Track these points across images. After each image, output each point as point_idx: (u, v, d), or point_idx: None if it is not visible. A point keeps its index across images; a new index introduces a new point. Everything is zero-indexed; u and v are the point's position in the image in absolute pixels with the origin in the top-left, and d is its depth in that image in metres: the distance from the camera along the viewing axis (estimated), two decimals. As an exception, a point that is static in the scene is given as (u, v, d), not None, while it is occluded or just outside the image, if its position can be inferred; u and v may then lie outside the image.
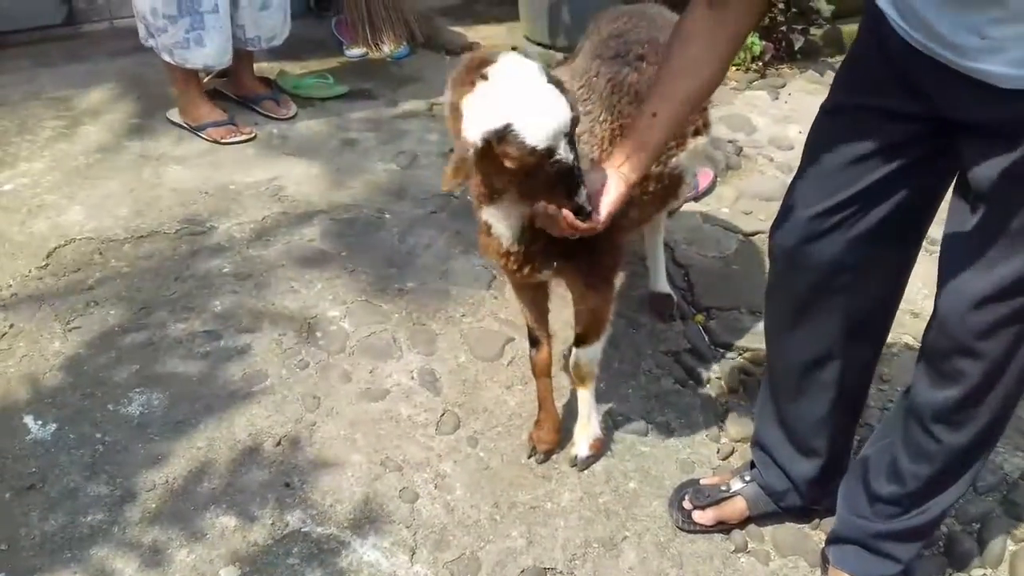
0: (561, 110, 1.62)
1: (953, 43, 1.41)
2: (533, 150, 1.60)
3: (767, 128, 3.84)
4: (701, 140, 2.30)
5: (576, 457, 2.30)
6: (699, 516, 2.18)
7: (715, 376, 2.65)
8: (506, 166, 1.65)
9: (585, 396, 2.26)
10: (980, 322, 1.58)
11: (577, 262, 2.00)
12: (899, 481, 1.85)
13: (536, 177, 1.66)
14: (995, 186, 1.49)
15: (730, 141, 3.75)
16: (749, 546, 2.17)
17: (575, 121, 1.66)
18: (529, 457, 2.34)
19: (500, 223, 1.91)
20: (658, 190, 2.22)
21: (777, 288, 1.96)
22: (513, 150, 1.61)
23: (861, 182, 1.69)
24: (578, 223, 1.71)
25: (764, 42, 4.29)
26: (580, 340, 2.19)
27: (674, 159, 2.21)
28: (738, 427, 2.45)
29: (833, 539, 2.05)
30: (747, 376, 2.63)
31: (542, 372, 2.29)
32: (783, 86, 4.27)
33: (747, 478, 2.20)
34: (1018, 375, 1.65)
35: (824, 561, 2.07)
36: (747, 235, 3.19)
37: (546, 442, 2.34)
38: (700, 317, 2.85)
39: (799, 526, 2.21)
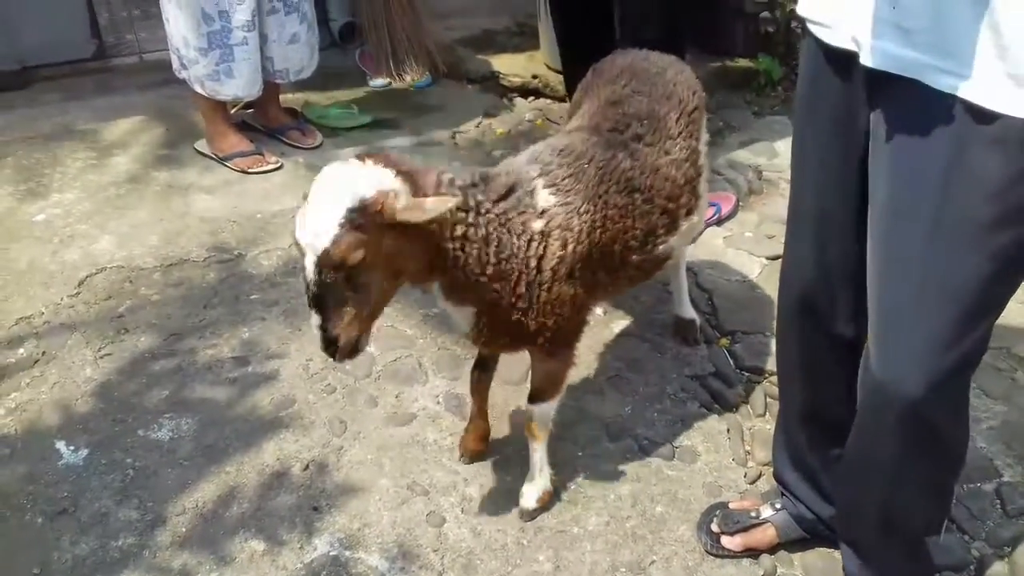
0: (323, 232, 1.57)
1: None
2: (295, 242, 1.65)
3: (788, 152, 3.82)
4: (694, 219, 2.26)
5: (523, 509, 2.26)
6: (728, 542, 2.17)
7: (741, 400, 2.65)
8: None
9: (537, 449, 2.22)
10: None
11: (538, 340, 2.01)
12: None
13: None
14: None
15: (751, 166, 3.77)
16: (778, 571, 2.15)
17: (342, 248, 1.58)
18: (459, 459, 2.41)
19: (454, 314, 1.97)
20: (640, 274, 2.21)
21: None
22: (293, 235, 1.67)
23: None
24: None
25: (784, 67, 4.32)
26: (535, 397, 2.17)
27: (663, 245, 2.17)
28: (765, 451, 2.44)
29: None
30: (773, 400, 2.62)
31: (479, 391, 2.32)
32: (803, 111, 4.28)
33: (777, 506, 2.19)
34: None
35: None
36: (770, 259, 3.19)
37: (471, 450, 2.40)
38: (725, 341, 2.85)
39: (829, 551, 2.18)
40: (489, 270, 1.83)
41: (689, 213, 2.22)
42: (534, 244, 1.88)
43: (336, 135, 4.01)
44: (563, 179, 1.97)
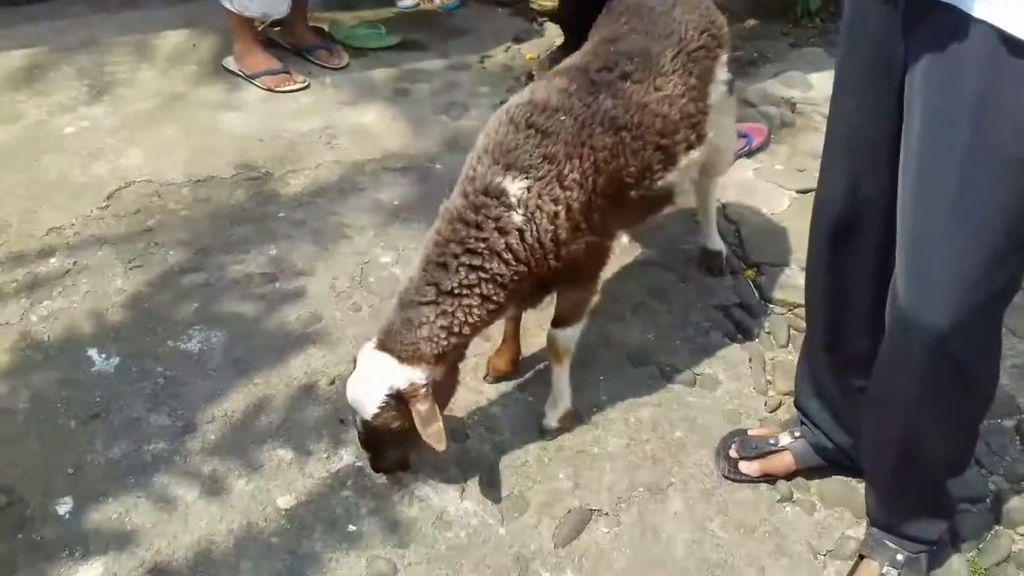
0: (368, 404, 1.93)
1: None
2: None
3: (823, 86, 3.77)
4: (695, 155, 2.23)
5: (544, 428, 2.31)
6: (745, 467, 2.21)
7: (764, 331, 2.66)
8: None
9: (559, 372, 2.26)
10: None
11: (562, 283, 2.11)
12: None
13: None
14: None
15: (785, 99, 3.71)
16: (794, 496, 2.19)
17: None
18: (484, 378, 2.45)
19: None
20: (645, 207, 2.22)
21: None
22: None
23: None
24: None
25: (821, -2, 4.21)
26: (559, 322, 2.21)
27: (661, 181, 2.16)
28: (786, 381, 2.45)
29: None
30: (796, 331, 2.63)
31: (513, 315, 2.35)
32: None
33: (796, 434, 2.21)
34: None
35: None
36: (800, 192, 3.16)
37: (499, 370, 2.46)
38: (750, 272, 2.85)
39: (846, 478, 2.22)
40: (511, 288, 1.97)
41: (690, 149, 2.20)
42: (526, 233, 1.93)
43: (363, 55, 3.96)
44: (532, 154, 1.96)
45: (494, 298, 1.95)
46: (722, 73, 2.30)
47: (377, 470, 2.10)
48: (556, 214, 1.95)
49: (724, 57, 2.31)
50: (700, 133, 2.22)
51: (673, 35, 2.20)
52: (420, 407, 1.90)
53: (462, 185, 2.01)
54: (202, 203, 3.04)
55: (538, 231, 1.94)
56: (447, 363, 1.99)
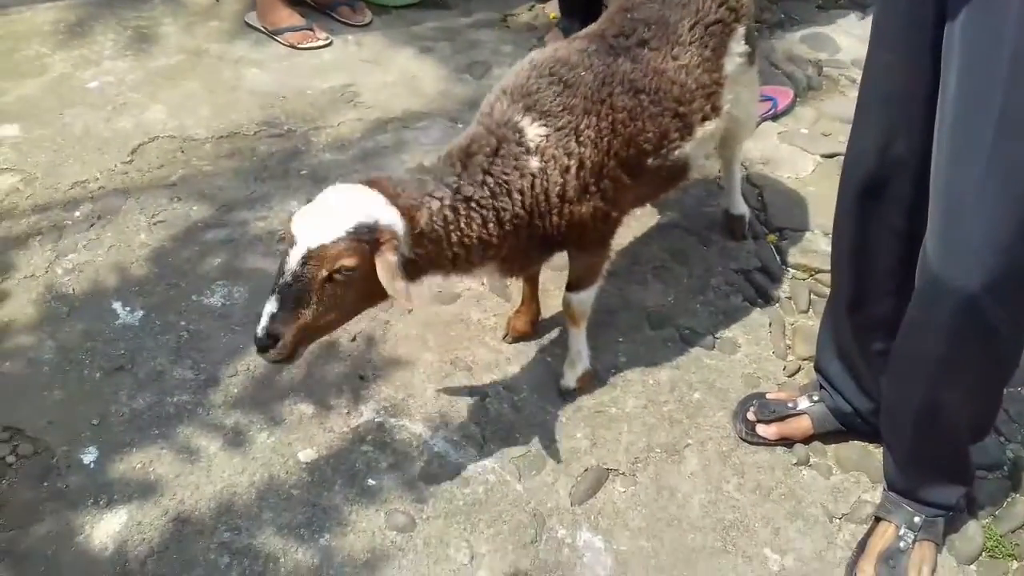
0: (321, 232, 1.65)
1: None
2: (285, 233, 1.71)
3: (851, 48, 3.72)
4: (710, 126, 2.20)
5: (563, 387, 2.32)
6: (763, 430, 2.21)
7: (785, 296, 2.65)
8: None
9: (575, 334, 2.27)
10: None
11: (568, 246, 2.07)
12: None
13: None
14: None
15: (811, 61, 3.65)
16: (811, 459, 2.19)
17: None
18: (503, 338, 2.45)
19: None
20: (659, 180, 2.19)
21: None
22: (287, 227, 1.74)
23: None
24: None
25: (853, -41, 4.13)
26: (573, 286, 2.20)
27: (677, 151, 2.13)
28: (806, 346, 2.45)
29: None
30: (817, 297, 2.62)
31: (530, 276, 2.35)
32: (870, 7, 4.11)
33: (815, 398, 2.21)
34: None
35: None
36: (825, 156, 3.12)
37: (518, 331, 2.45)
38: (773, 237, 2.83)
39: (863, 443, 2.22)
40: (497, 232, 1.88)
41: (705, 120, 2.18)
42: (537, 181, 1.90)
43: (386, 13, 3.93)
44: (553, 101, 1.94)
45: (490, 229, 1.86)
46: (737, 46, 2.26)
47: (266, 340, 1.67)
48: (567, 168, 1.93)
49: (741, 30, 2.27)
50: (715, 105, 2.21)
51: (691, 4, 2.17)
52: (390, 257, 1.68)
53: (479, 119, 1.97)
54: (225, 159, 3.05)
55: (547, 183, 1.91)
56: (416, 261, 1.79)
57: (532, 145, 1.91)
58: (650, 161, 2.08)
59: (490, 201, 1.86)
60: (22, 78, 3.38)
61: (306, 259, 1.64)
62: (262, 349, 1.68)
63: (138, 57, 3.56)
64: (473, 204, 1.84)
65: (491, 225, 1.87)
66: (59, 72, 3.43)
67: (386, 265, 1.68)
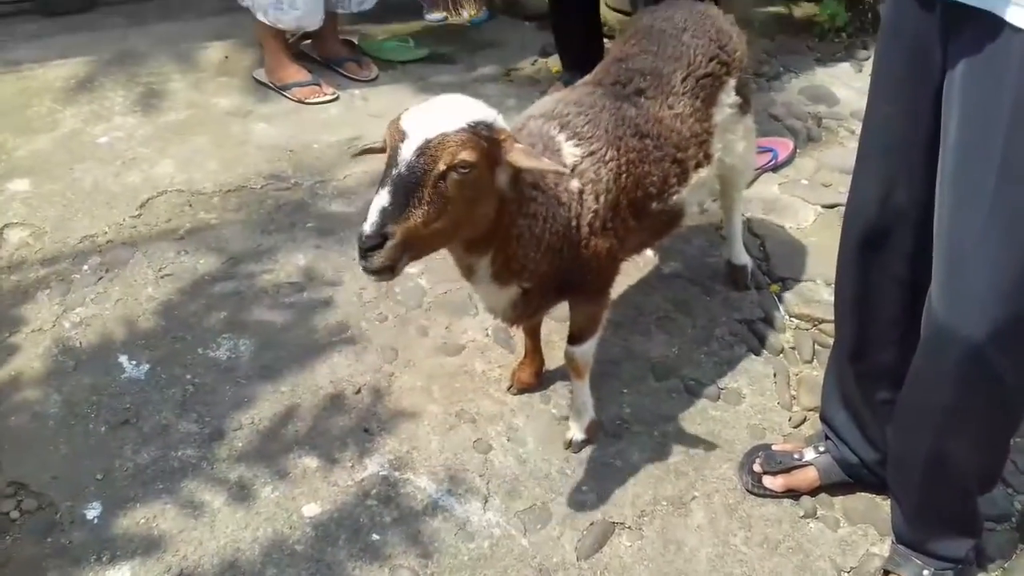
0: (440, 123, 1.56)
1: None
2: (397, 131, 1.59)
3: (849, 100, 3.77)
4: (703, 172, 2.25)
5: (572, 441, 2.30)
6: (769, 481, 2.20)
7: (789, 346, 2.65)
8: None
9: (580, 385, 2.27)
10: None
11: (573, 292, 2.07)
12: None
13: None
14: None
15: (811, 113, 3.70)
16: (818, 512, 2.18)
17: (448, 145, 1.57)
18: (508, 390, 2.44)
19: (491, 296, 1.98)
20: (658, 225, 2.22)
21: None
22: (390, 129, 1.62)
23: None
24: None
25: (849, 13, 4.20)
26: (575, 339, 2.20)
27: (675, 196, 2.17)
28: (810, 397, 2.45)
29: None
30: (821, 347, 2.62)
31: (531, 329, 2.36)
32: (867, 59, 4.18)
33: (821, 449, 2.21)
34: None
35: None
36: (825, 207, 3.15)
37: (523, 383, 2.45)
38: (775, 287, 2.84)
39: (871, 495, 2.20)
40: (543, 246, 1.86)
41: (698, 167, 2.23)
42: (574, 205, 1.90)
43: (392, 68, 4.01)
44: (582, 127, 1.97)
45: (529, 241, 1.83)
46: (728, 97, 2.31)
47: (374, 240, 1.51)
48: (598, 195, 1.94)
49: (732, 83, 2.33)
50: (707, 152, 2.25)
51: (683, 59, 2.22)
52: (519, 145, 1.66)
53: None
54: (232, 212, 3.08)
55: (582, 207, 1.89)
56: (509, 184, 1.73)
57: (570, 163, 1.91)
58: (654, 205, 2.12)
59: (553, 197, 1.84)
60: (34, 134, 3.44)
61: (423, 150, 1.54)
62: (370, 249, 1.52)
63: (147, 113, 3.62)
64: (547, 191, 1.83)
65: (547, 227, 1.85)
66: (70, 128, 3.49)
67: (521, 151, 1.64)
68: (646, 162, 2.06)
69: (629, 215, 2.05)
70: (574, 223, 1.91)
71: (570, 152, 1.92)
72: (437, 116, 1.58)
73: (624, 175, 1.99)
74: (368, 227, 1.51)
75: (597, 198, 1.93)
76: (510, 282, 1.92)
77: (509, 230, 1.80)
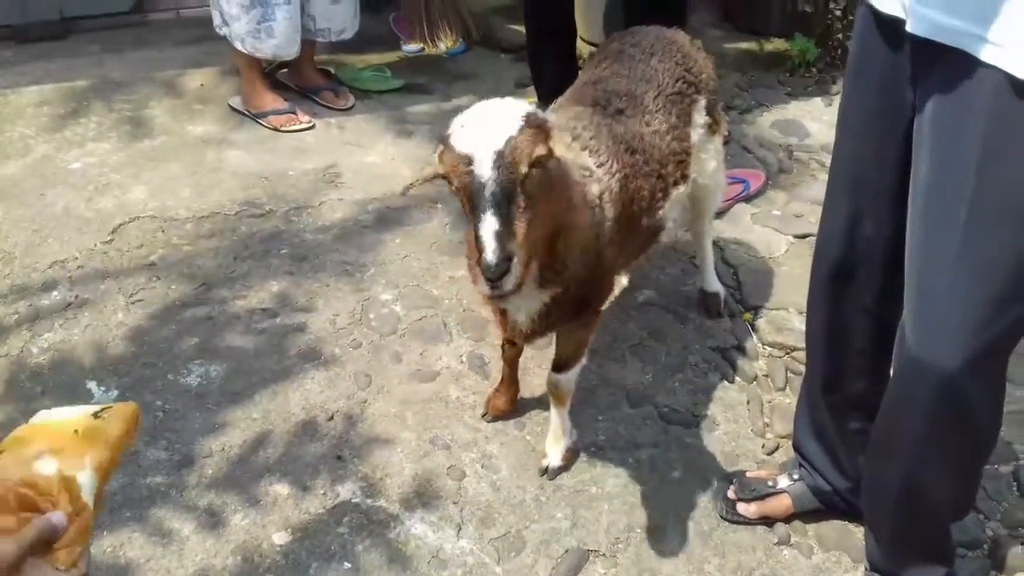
0: (500, 131, 1.55)
1: None
2: (459, 157, 1.56)
3: (820, 133, 3.83)
4: (682, 189, 2.31)
5: (548, 467, 2.29)
6: (743, 508, 2.20)
7: (762, 373, 2.67)
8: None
9: (561, 412, 2.26)
10: None
11: (583, 311, 2.05)
12: None
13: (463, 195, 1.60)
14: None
15: (782, 145, 3.76)
16: (792, 539, 2.18)
17: (529, 155, 1.57)
18: (483, 416, 2.43)
19: (522, 305, 1.91)
20: (643, 241, 2.26)
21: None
22: (446, 158, 1.60)
23: None
24: (484, 290, 1.58)
25: (819, 48, 4.29)
26: (559, 367, 2.19)
27: (659, 211, 2.22)
28: (783, 424, 2.46)
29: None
30: (794, 374, 2.64)
31: (511, 357, 2.35)
32: (837, 93, 4.26)
33: (795, 476, 2.21)
34: None
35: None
36: (797, 237, 3.19)
37: (499, 410, 2.42)
38: (748, 315, 2.86)
39: (844, 522, 2.21)
40: (582, 244, 1.87)
41: (676, 184, 2.27)
42: (597, 211, 1.91)
43: (368, 97, 4.02)
44: (590, 140, 2.01)
45: (580, 237, 1.85)
46: (700, 117, 2.37)
47: (501, 262, 1.50)
48: (612, 205, 1.96)
49: (703, 102, 2.38)
50: (684, 172, 2.30)
51: (652, 80, 2.28)
52: (559, 134, 1.68)
53: None
54: (205, 238, 3.06)
55: (602, 214, 1.90)
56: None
57: (590, 168, 1.93)
58: (644, 220, 2.14)
59: (580, 201, 1.85)
60: (5, 159, 3.42)
61: (500, 162, 1.53)
62: (500, 276, 1.51)
63: (121, 139, 3.61)
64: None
65: (580, 229, 1.86)
66: (41, 153, 3.47)
67: (560, 139, 1.67)
68: (639, 176, 2.09)
69: (627, 228, 2.07)
70: (596, 230, 1.92)
71: (586, 159, 1.95)
72: (493, 126, 1.57)
73: (626, 188, 2.03)
74: (491, 255, 1.50)
75: (612, 207, 1.96)
76: (550, 284, 1.86)
77: (567, 230, 1.80)
